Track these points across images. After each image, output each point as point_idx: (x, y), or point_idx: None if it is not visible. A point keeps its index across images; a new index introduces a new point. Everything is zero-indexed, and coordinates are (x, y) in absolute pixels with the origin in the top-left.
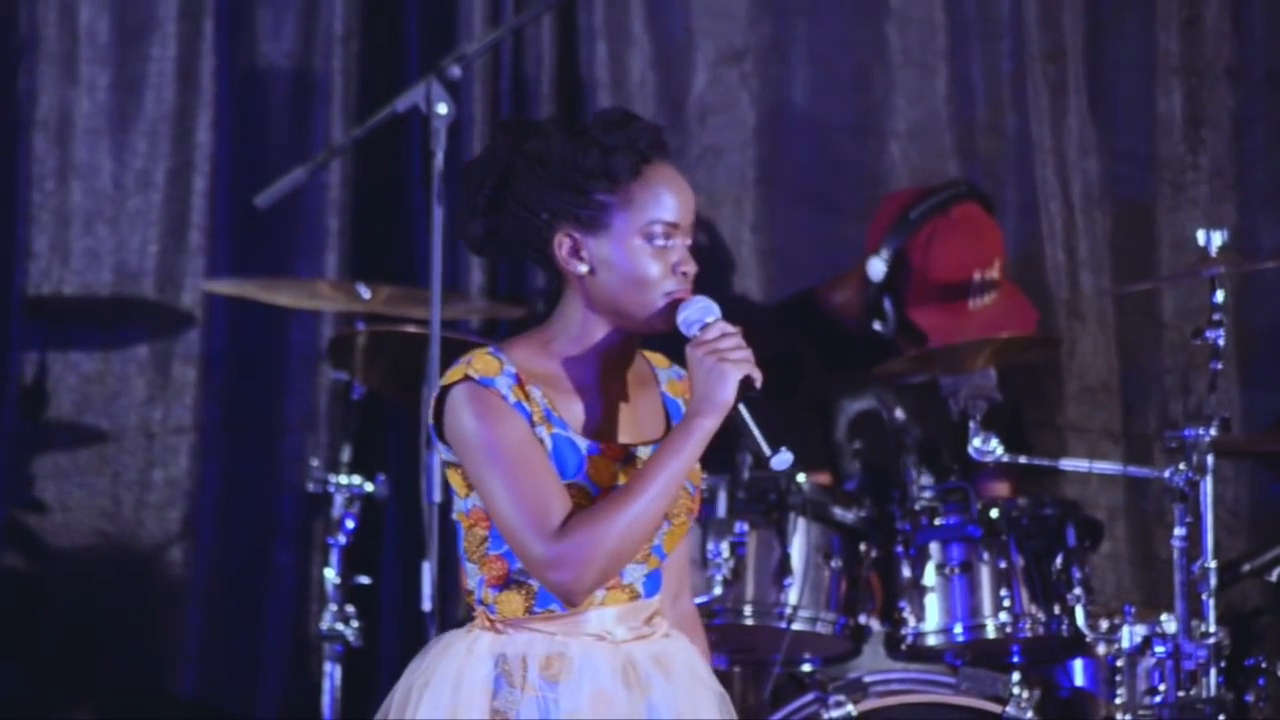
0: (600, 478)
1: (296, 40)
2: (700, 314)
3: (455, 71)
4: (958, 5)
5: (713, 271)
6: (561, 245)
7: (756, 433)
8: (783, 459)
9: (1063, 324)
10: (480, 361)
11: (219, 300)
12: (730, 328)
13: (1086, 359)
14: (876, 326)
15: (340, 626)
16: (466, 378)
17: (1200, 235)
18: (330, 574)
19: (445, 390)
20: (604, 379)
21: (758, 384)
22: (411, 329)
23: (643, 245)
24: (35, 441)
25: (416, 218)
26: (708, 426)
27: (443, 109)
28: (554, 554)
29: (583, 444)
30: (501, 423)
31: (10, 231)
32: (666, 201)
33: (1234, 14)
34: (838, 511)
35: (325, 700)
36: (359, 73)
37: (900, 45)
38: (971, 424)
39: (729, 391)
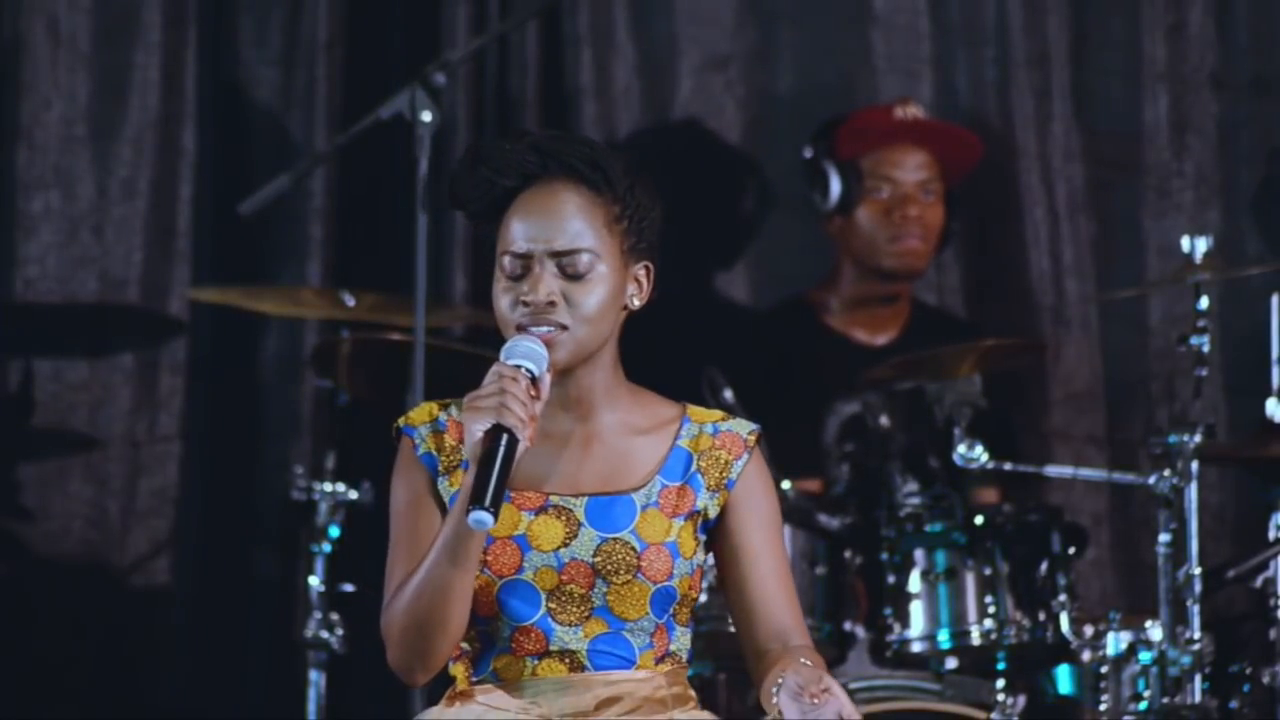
0: (499, 527)
1: (280, 47)
2: (506, 355)
3: (439, 78)
4: (942, 11)
5: (699, 278)
6: None
7: (478, 478)
8: (477, 518)
9: (1047, 330)
10: (418, 409)
11: (203, 308)
12: (509, 371)
13: (1071, 365)
14: (828, 200)
15: (324, 634)
16: (396, 426)
17: (1185, 241)
18: (314, 581)
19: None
20: (559, 425)
21: (520, 437)
22: (396, 336)
23: (499, 278)
24: (21, 450)
25: (401, 225)
26: (463, 481)
27: (427, 116)
28: (381, 630)
29: None
30: (397, 479)
31: None
32: (516, 230)
33: (1218, 21)
34: (823, 518)
35: (309, 707)
36: (343, 80)
37: (885, 51)
38: (956, 430)
39: (472, 439)
